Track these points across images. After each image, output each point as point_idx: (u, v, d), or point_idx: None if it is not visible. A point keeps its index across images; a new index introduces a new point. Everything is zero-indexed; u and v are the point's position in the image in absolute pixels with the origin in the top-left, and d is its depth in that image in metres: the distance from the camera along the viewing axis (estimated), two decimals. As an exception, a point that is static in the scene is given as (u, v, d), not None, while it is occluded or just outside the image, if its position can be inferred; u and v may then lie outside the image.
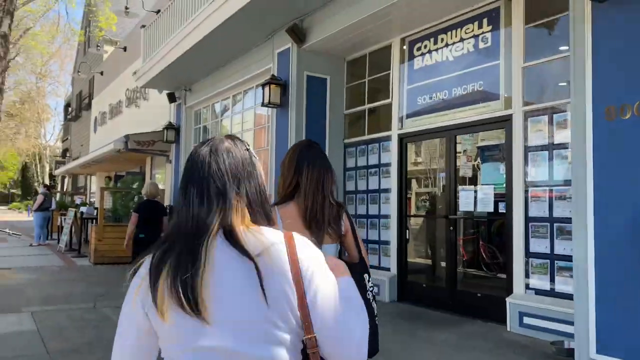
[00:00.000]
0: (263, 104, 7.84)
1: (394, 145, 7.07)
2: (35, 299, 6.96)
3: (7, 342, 5.02)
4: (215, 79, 10.11)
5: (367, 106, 7.68)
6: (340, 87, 7.98)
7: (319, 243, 2.03)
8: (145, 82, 11.26)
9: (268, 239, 1.13)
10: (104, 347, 4.82)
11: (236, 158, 1.22)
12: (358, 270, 2.12)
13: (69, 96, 33.04)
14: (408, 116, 6.96)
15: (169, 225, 1.26)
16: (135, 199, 12.01)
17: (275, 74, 7.85)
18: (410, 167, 7.05)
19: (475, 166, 6.35)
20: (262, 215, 1.22)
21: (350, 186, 7.86)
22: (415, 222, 7.11)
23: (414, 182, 7.16)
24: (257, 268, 1.07)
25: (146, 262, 1.18)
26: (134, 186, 11.97)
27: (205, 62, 9.61)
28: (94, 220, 11.57)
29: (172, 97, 11.65)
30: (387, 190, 7.20)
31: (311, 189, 2.16)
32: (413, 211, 7.15)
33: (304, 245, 1.16)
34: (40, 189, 14.74)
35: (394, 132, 7.07)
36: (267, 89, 7.67)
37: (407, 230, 6.92)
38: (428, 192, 7.12)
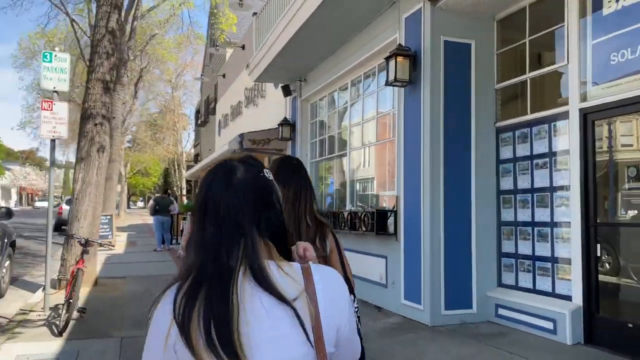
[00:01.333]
0: (388, 83, 6.26)
1: (573, 124, 5.06)
2: (131, 319, 6.09)
3: (78, 383, 4.05)
4: (331, 64, 8.75)
5: (528, 75, 5.73)
6: (488, 54, 6.13)
7: None
8: (259, 74, 10.27)
9: (300, 280, 1.08)
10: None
11: (253, 187, 1.12)
12: None
13: (198, 103, 34.38)
14: (595, 82, 4.93)
15: (187, 263, 1.09)
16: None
17: (403, 44, 6.24)
18: (600, 156, 4.98)
19: None
20: (283, 247, 1.15)
21: (506, 184, 5.97)
22: (609, 233, 5.03)
23: (605, 175, 5.07)
24: (297, 315, 1.02)
25: (169, 298, 1.05)
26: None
27: (318, 44, 8.29)
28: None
29: (287, 90, 10.55)
30: (563, 188, 5.21)
31: (286, 209, 1.97)
32: (607, 217, 5.05)
33: (327, 283, 1.11)
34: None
35: (573, 107, 5.07)
36: (392, 62, 6.08)
37: (598, 244, 4.88)
38: (633, 190, 4.94)
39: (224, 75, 20.58)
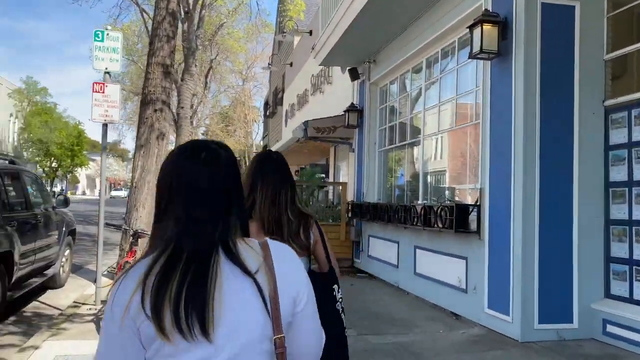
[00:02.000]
0: (472, 56, 5.38)
1: None
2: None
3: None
4: (403, 41, 7.91)
5: (651, 41, 4.66)
6: (597, 18, 5.08)
7: None
8: (324, 57, 9.60)
9: (260, 253, 1.15)
10: None
11: (235, 169, 1.20)
12: (327, 280, 2.20)
13: (267, 94, 34.41)
14: None
15: (157, 238, 1.13)
16: (316, 192, 10.53)
17: (490, 9, 5.32)
18: None
19: None
20: (245, 225, 1.22)
21: (617, 174, 4.92)
22: None
23: None
24: (258, 286, 1.09)
25: (133, 275, 1.09)
26: (315, 178, 10.45)
27: (389, 20, 7.48)
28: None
29: (354, 74, 9.80)
30: (700, 180, 4.14)
31: (266, 205, 2.14)
32: None
33: (283, 257, 1.18)
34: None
35: None
36: (477, 31, 5.19)
37: None
38: None
39: (291, 64, 20.17)
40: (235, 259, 1.10)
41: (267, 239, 1.21)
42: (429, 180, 7.82)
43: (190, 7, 16.17)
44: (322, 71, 13.85)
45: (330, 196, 12.30)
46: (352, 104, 9.86)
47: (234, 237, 1.13)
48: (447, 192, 7.27)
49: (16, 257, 5.30)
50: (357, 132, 9.87)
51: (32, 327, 5.46)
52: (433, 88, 7.62)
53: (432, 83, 7.62)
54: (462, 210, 5.65)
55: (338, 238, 9.42)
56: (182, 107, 16.44)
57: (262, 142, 39.10)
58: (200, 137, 42.16)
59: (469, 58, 5.57)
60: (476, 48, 5.21)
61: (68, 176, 54.11)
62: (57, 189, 52.93)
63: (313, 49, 10.29)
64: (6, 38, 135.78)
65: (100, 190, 6.07)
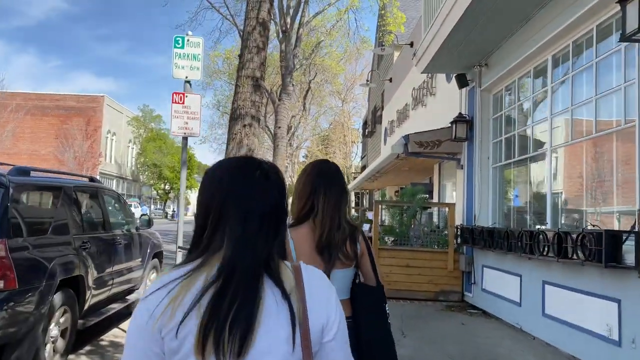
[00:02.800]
0: (625, 37, 4.15)
1: None
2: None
3: None
4: (523, 36, 6.73)
5: None
6: None
7: (328, 269, 2.05)
8: (426, 63, 8.61)
9: (292, 277, 1.12)
10: None
11: (284, 189, 1.19)
12: (377, 296, 2.13)
13: (366, 114, 33.89)
14: None
15: (203, 251, 1.13)
16: (418, 214, 9.45)
17: (651, -25, 4.08)
18: None
19: None
20: (283, 247, 1.21)
21: None
22: None
23: None
24: (292, 311, 1.06)
25: (170, 281, 1.07)
26: (417, 198, 9.38)
27: (502, 13, 6.37)
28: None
29: (462, 80, 8.70)
30: None
31: (328, 213, 2.11)
32: None
33: (314, 283, 1.14)
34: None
35: None
36: (633, 4, 3.99)
37: None
38: None
39: (390, 80, 19.32)
40: (277, 281, 1.08)
41: (301, 262, 1.18)
42: (557, 200, 6.48)
43: (288, 27, 16.01)
44: (424, 83, 12.82)
45: (435, 219, 11.12)
46: (460, 114, 8.74)
47: (276, 257, 1.12)
48: (584, 217, 5.90)
49: (89, 281, 4.88)
50: (466, 145, 8.71)
51: (104, 359, 4.99)
52: (562, 89, 6.33)
53: (561, 84, 6.34)
54: (613, 238, 4.35)
55: (445, 267, 8.24)
56: (280, 127, 16.23)
57: (360, 163, 38.51)
58: (301, 159, 42.62)
59: (620, 41, 4.33)
60: (631, 27, 4.00)
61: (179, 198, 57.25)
62: (169, 210, 56.13)
63: (414, 55, 9.33)
64: (131, 73, 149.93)
65: (178, 207, 5.56)
